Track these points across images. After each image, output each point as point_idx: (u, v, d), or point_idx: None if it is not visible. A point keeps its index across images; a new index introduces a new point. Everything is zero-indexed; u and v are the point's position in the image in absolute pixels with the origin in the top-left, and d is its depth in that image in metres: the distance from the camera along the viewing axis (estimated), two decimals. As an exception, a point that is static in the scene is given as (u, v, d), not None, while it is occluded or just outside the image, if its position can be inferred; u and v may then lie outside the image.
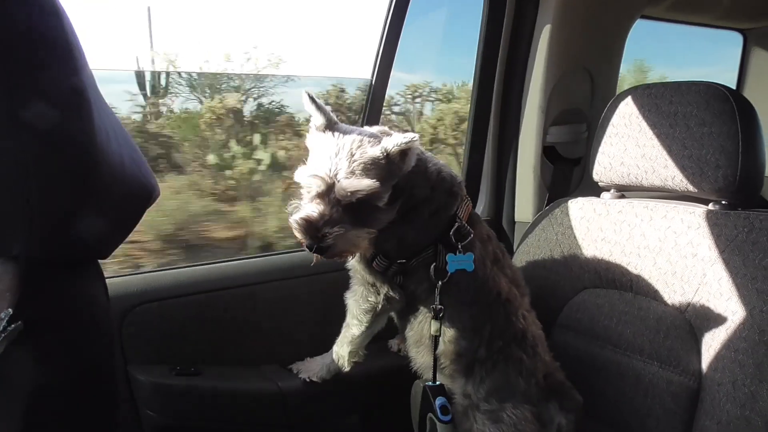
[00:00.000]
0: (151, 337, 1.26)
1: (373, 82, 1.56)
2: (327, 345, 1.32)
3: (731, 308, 1.03)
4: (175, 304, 1.30)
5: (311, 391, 1.32)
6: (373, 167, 1.01)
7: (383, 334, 1.34)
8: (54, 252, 0.59)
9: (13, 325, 0.52)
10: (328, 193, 1.00)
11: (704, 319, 1.07)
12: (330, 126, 1.06)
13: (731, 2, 2.08)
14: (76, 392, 0.59)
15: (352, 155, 1.01)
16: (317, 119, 1.07)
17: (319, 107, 1.06)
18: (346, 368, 1.27)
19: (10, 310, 0.53)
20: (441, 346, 1.17)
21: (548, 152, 1.78)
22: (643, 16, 1.93)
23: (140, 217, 0.67)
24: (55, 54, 0.55)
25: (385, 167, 1.03)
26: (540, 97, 1.71)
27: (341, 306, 1.27)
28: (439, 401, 1.14)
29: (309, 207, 1.02)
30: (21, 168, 0.53)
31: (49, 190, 0.55)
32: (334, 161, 1.01)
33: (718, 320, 1.04)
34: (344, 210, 1.01)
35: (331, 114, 1.08)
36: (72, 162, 0.56)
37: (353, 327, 1.24)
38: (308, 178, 1.02)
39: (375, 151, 1.02)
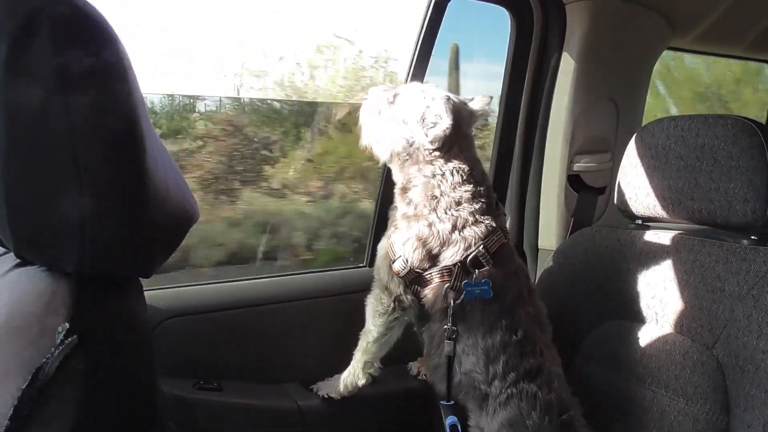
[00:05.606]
0: (177, 351, 1.29)
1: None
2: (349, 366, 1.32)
3: (761, 346, 1.01)
4: (202, 320, 1.32)
5: (330, 410, 1.32)
6: None
7: (403, 357, 1.34)
8: (104, 270, 0.62)
9: (69, 339, 0.54)
10: None
11: (733, 356, 1.06)
12: None
13: (760, 33, 2.08)
14: (121, 404, 0.61)
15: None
16: None
17: None
18: (362, 380, 1.28)
19: (66, 324, 0.55)
20: (456, 377, 1.18)
21: (573, 180, 1.79)
22: (670, 47, 1.94)
23: (182, 239, 0.70)
24: (111, 79, 0.58)
25: None
26: (565, 126, 1.72)
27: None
28: (449, 420, 1.15)
29: None
30: (76, 193, 0.56)
31: (102, 212, 0.58)
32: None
33: (747, 358, 1.03)
34: None
35: None
36: (123, 186, 0.59)
37: (368, 333, 1.26)
38: None
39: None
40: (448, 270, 1.15)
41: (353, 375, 1.29)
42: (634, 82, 1.85)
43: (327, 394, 1.32)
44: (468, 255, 1.15)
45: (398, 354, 1.30)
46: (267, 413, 1.30)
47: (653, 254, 1.25)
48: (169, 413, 1.23)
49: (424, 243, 1.16)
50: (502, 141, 1.81)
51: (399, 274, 1.18)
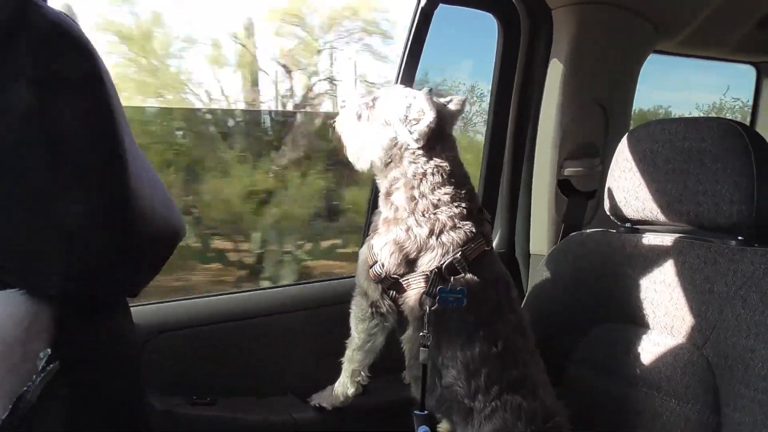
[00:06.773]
0: (170, 366, 1.28)
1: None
2: (343, 377, 1.32)
3: (750, 346, 1.02)
4: (194, 334, 1.32)
5: (325, 422, 1.32)
6: None
7: (397, 367, 1.34)
8: (88, 291, 0.61)
9: (50, 366, 0.52)
10: None
11: (722, 356, 1.06)
12: None
13: (744, 36, 2.10)
14: (107, 429, 0.59)
15: None
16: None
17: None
18: (351, 389, 1.27)
19: (48, 350, 0.53)
20: (437, 390, 1.17)
21: (563, 185, 1.80)
22: (656, 51, 1.95)
23: (169, 256, 0.69)
24: (90, 90, 0.58)
25: None
26: (554, 131, 1.73)
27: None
28: (421, 430, 1.13)
29: None
30: (60, 210, 0.55)
31: (86, 233, 0.57)
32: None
33: (736, 358, 1.03)
34: None
35: None
36: (107, 204, 0.58)
37: (352, 341, 1.26)
38: None
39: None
40: (425, 276, 1.14)
41: (343, 385, 1.29)
42: (622, 86, 1.87)
43: (319, 404, 1.32)
44: (445, 261, 1.13)
45: (393, 364, 1.29)
46: (262, 427, 1.30)
47: (643, 257, 1.25)
48: (163, 429, 1.22)
49: (400, 248, 1.15)
50: (492, 147, 1.82)
51: (376, 279, 1.17)
